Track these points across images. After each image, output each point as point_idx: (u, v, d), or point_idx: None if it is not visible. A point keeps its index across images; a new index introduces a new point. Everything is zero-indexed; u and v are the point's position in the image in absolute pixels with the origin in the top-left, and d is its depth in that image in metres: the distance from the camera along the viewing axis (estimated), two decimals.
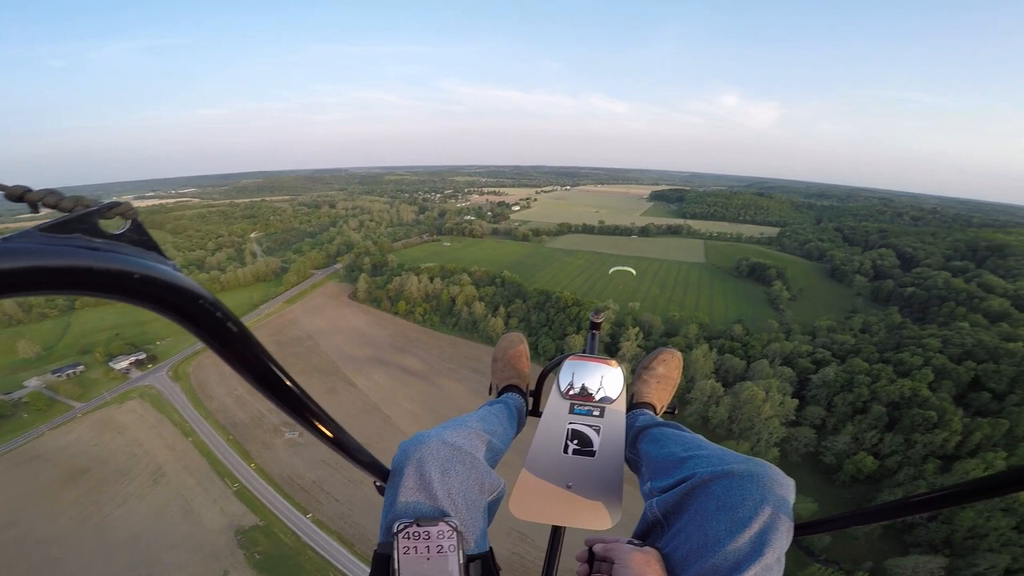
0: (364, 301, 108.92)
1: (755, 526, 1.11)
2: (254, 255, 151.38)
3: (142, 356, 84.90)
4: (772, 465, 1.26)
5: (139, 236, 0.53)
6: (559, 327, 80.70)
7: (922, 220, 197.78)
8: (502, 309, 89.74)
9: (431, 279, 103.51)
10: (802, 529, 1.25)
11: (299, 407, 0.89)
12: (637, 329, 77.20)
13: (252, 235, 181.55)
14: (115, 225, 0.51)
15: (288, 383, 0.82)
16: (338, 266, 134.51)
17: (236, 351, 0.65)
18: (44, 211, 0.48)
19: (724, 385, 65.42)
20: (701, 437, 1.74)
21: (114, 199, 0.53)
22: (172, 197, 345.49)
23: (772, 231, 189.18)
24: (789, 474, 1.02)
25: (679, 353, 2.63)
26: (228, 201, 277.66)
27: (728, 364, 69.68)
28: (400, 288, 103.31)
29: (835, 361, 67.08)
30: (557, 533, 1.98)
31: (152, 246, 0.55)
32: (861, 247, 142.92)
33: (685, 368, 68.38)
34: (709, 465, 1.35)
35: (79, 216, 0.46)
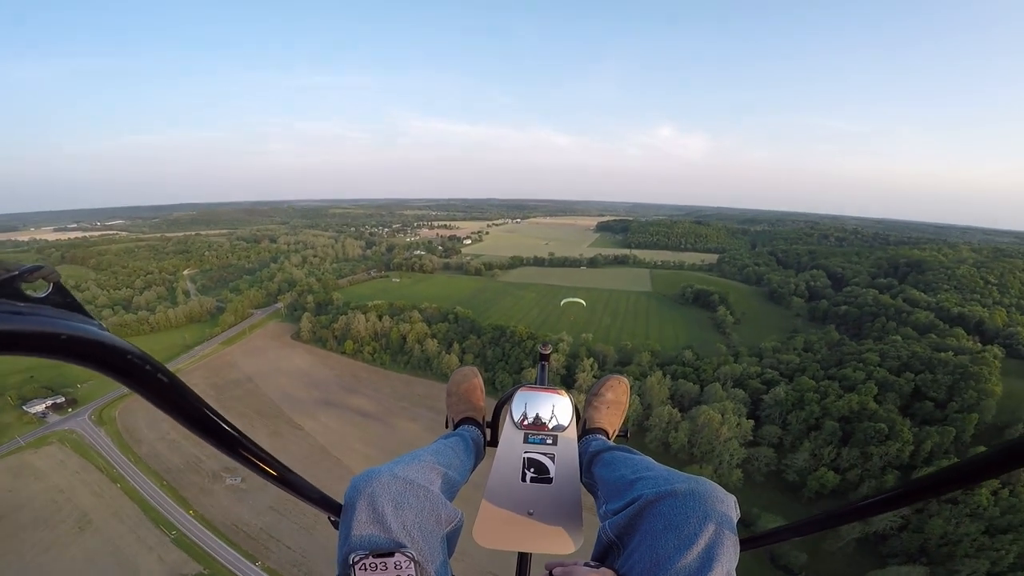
0: (308, 341, 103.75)
1: (701, 543, 1.16)
2: (187, 294, 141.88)
3: (60, 400, 79.04)
4: (712, 483, 1.32)
5: (62, 298, 0.55)
6: (515, 361, 79.38)
7: (846, 241, 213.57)
8: (456, 345, 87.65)
9: (380, 317, 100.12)
10: (748, 543, 1.32)
11: (239, 448, 0.92)
12: (592, 360, 77.15)
13: (185, 272, 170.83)
14: (39, 287, 0.52)
15: (225, 426, 0.85)
16: (279, 305, 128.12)
17: (170, 399, 0.69)
18: None
19: (680, 410, 65.98)
20: (650, 459, 1.82)
21: (36, 263, 0.53)
22: (98, 229, 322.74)
23: (712, 258, 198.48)
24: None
25: (626, 379, 2.68)
26: (159, 235, 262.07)
27: (682, 389, 70.47)
28: (347, 327, 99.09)
29: (784, 380, 69.34)
30: (524, 560, 2.02)
31: (76, 307, 0.56)
32: (794, 269, 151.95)
33: (641, 395, 68.79)
34: (655, 486, 1.40)
35: (1, 281, 0.48)
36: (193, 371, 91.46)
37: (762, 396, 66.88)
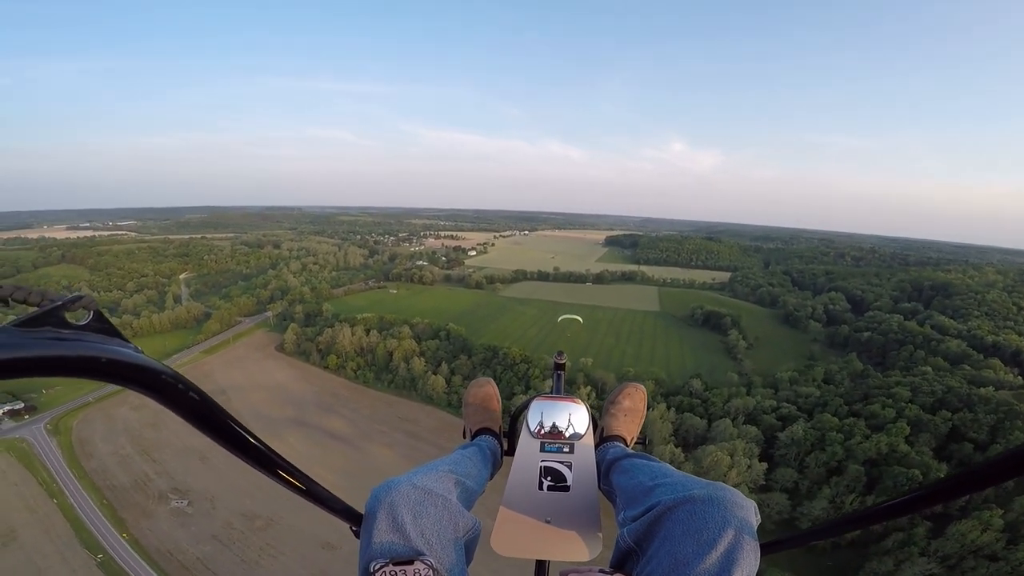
0: (291, 354, 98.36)
1: (720, 547, 1.16)
2: (177, 298, 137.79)
3: (19, 406, 75.17)
4: (732, 488, 1.32)
5: (101, 325, 0.62)
6: (506, 386, 72.87)
7: (863, 260, 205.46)
8: (444, 366, 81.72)
9: (367, 331, 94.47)
10: (769, 547, 1.34)
11: (267, 462, 0.97)
12: (589, 388, 70.56)
13: (181, 276, 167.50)
14: (79, 316, 0.60)
15: (253, 441, 0.92)
16: (269, 314, 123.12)
17: (201, 416, 0.76)
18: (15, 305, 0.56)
19: (684, 448, 59.37)
20: (668, 465, 1.85)
21: (77, 293, 0.61)
22: (108, 229, 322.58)
23: (723, 276, 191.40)
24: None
25: (643, 387, 2.76)
26: (163, 237, 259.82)
27: (688, 424, 63.83)
28: (332, 340, 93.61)
29: (802, 417, 62.57)
30: (541, 568, 2.05)
31: (114, 332, 0.63)
32: (811, 291, 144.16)
33: (642, 431, 62.16)
34: (673, 492, 1.42)
35: (47, 310, 0.54)
36: None
37: (777, 434, 60.01)
